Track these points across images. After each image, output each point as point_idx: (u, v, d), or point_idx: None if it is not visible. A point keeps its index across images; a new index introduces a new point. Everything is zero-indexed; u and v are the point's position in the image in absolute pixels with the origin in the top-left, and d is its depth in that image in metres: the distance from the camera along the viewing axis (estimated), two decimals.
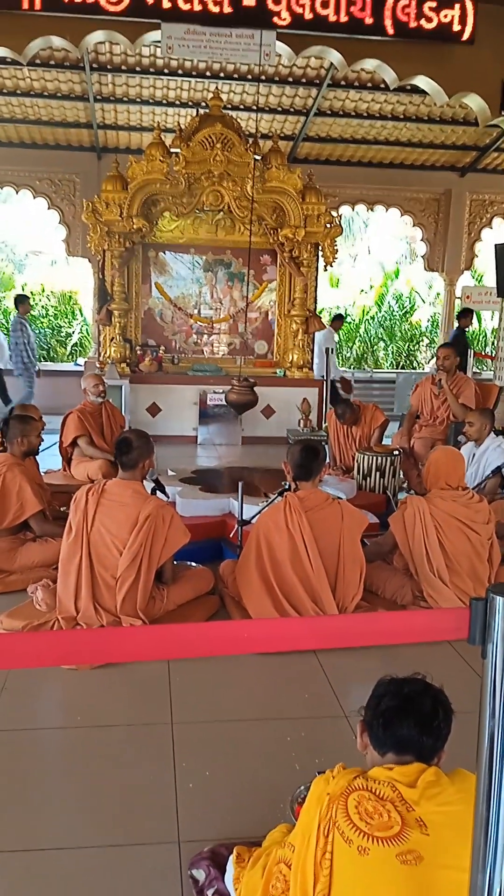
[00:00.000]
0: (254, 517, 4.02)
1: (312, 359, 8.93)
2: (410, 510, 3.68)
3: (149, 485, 3.99)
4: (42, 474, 5.03)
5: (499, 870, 1.30)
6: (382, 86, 8.64)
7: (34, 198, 10.89)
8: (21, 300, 10.28)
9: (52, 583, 3.78)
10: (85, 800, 2.42)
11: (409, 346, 15.74)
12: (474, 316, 11.25)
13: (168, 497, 4.27)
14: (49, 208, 10.93)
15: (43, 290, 16.00)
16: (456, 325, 10.64)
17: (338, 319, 11.11)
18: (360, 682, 3.20)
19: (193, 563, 4.07)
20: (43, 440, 4.80)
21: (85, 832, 2.27)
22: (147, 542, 3.51)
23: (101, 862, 2.15)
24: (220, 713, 2.99)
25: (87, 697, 3.06)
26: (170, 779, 2.51)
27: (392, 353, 15.72)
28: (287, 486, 3.88)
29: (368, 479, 5.49)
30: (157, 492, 3.99)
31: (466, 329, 10.84)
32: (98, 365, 8.60)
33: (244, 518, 4.09)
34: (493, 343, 11.30)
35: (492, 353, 10.92)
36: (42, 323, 14.98)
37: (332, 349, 9.36)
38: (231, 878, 1.90)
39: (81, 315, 15.37)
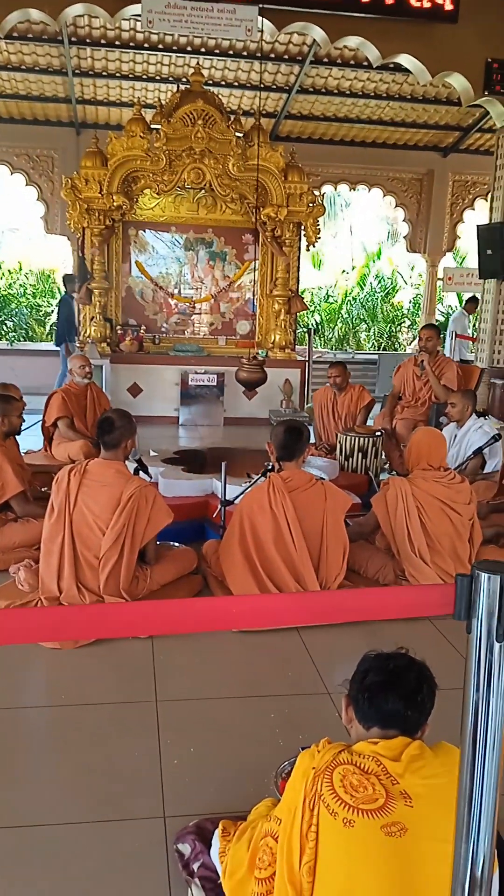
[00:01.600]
0: (237, 497, 4.02)
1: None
2: (392, 491, 3.71)
3: (131, 465, 3.98)
4: (22, 454, 4.99)
5: (482, 841, 1.33)
6: (366, 63, 8.57)
7: (11, 174, 10.72)
8: (68, 279, 10.11)
9: (34, 563, 3.76)
10: (70, 776, 2.43)
11: (390, 328, 15.76)
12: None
13: (150, 477, 4.27)
14: (27, 184, 10.77)
15: (20, 268, 15.78)
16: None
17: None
18: (342, 659, 3.24)
19: (176, 544, 4.07)
20: (24, 420, 4.75)
21: (71, 808, 2.28)
22: (130, 522, 3.51)
23: (88, 837, 2.16)
24: (204, 691, 3.01)
25: (71, 676, 3.07)
26: (155, 755, 2.53)
27: (374, 334, 15.73)
28: (271, 467, 3.88)
29: (350, 459, 5.52)
30: (140, 472, 3.98)
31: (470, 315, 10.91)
32: (78, 344, 8.52)
33: (227, 498, 4.09)
34: (474, 325, 11.32)
35: (473, 335, 10.96)
36: (20, 302, 14.79)
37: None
38: (217, 851, 1.92)
39: (60, 293, 15.18)
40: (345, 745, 1.67)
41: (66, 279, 10.22)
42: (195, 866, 1.99)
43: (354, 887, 1.54)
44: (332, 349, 14.89)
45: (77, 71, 9.40)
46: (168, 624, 1.26)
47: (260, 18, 7.09)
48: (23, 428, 4.77)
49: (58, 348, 9.80)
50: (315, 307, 15.73)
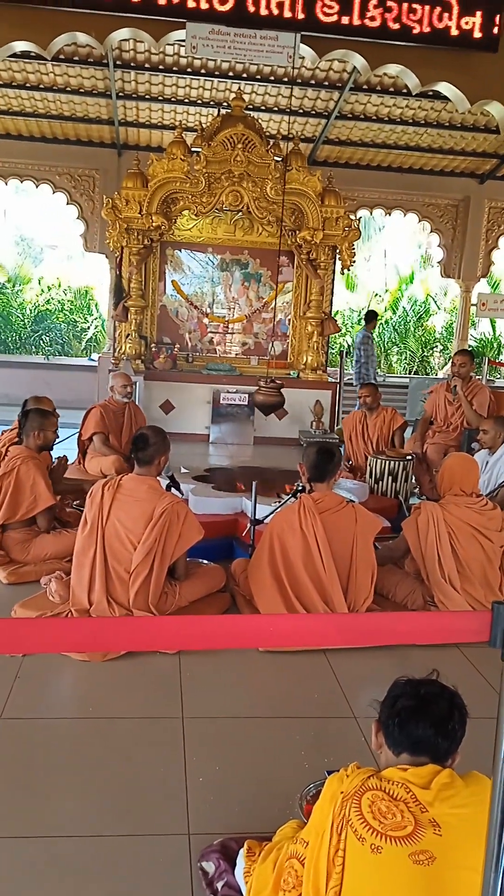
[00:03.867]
0: (267, 517, 4.04)
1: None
2: (424, 515, 3.70)
3: (163, 481, 4.02)
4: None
5: None
6: (404, 91, 8.64)
7: (53, 192, 10.94)
8: (371, 317, 10.71)
9: (65, 575, 3.81)
10: (95, 789, 2.45)
11: (422, 352, 15.72)
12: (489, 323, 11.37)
13: (182, 494, 4.30)
14: (68, 203, 10.98)
15: (59, 285, 16.07)
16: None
17: None
18: (369, 683, 3.22)
19: (205, 561, 4.09)
20: (58, 436, 4.83)
21: (95, 821, 2.30)
22: (161, 537, 3.54)
23: (112, 851, 2.18)
24: (230, 709, 3.01)
25: (99, 689, 3.09)
26: (180, 772, 2.54)
27: (405, 357, 15.71)
28: (301, 487, 3.90)
29: (381, 482, 5.50)
30: (172, 489, 4.02)
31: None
32: (113, 361, 8.64)
33: (257, 518, 4.11)
34: None
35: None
36: (58, 317, 15.05)
37: None
38: (241, 871, 1.92)
39: (97, 310, 15.43)
40: (374, 771, 1.67)
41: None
42: (219, 885, 1.99)
43: None
44: None
45: (120, 94, 9.60)
46: (206, 639, 1.28)
47: (301, 45, 7.19)
48: (56, 443, 4.84)
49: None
50: (347, 329, 15.76)
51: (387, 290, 17.15)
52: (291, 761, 2.64)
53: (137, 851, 2.18)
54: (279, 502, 4.36)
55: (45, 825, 2.27)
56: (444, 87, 7.68)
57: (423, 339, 15.80)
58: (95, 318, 15.33)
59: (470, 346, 12.57)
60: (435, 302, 16.41)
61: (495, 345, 15.45)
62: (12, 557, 4.31)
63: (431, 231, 11.76)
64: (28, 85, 9.39)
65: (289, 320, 8.99)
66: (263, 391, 7.44)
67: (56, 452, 4.98)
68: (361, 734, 2.82)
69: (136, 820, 2.32)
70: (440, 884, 1.52)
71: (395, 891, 1.54)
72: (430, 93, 8.07)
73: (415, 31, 7.14)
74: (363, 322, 10.78)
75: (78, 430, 6.15)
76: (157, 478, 3.83)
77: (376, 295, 17.25)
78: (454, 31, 7.21)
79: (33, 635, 1.21)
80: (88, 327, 15.24)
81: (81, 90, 9.58)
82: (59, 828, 2.26)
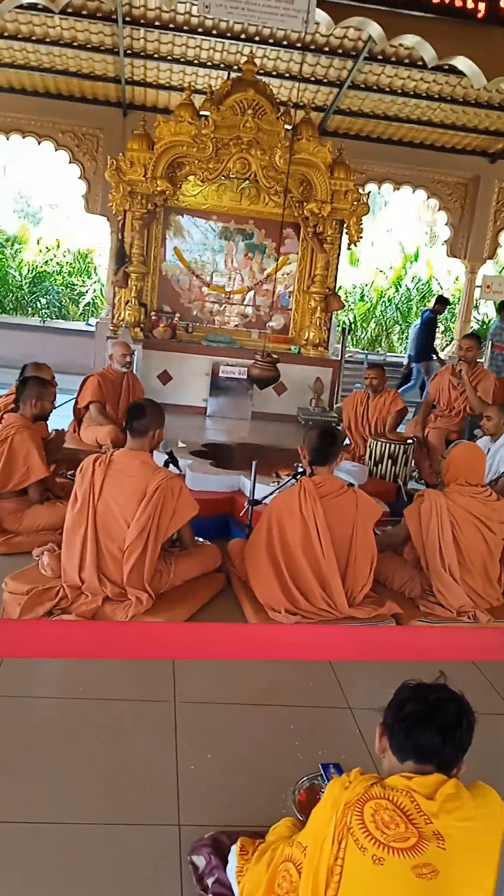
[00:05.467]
0: (265, 498, 3.97)
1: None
2: (427, 503, 3.63)
3: (162, 457, 3.93)
4: (51, 433, 4.94)
5: None
6: (419, 63, 8.41)
7: (56, 150, 10.68)
8: (441, 301, 11.06)
9: (57, 547, 3.73)
10: (82, 773, 2.40)
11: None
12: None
13: (180, 471, 4.21)
14: (70, 162, 10.72)
15: (59, 246, 15.77)
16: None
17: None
18: (365, 675, 3.18)
19: (201, 539, 4.02)
20: (55, 407, 4.72)
21: (81, 807, 2.25)
22: (156, 513, 3.46)
23: (101, 839, 2.13)
24: (223, 695, 2.96)
25: (90, 668, 3.03)
26: (171, 759, 2.49)
27: (406, 336, 15.56)
28: (301, 470, 3.82)
29: (380, 465, 5.43)
30: (170, 465, 3.94)
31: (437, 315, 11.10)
32: (111, 327, 8.48)
33: (255, 498, 4.03)
34: None
35: None
36: (56, 280, 14.78)
37: None
38: (234, 869, 1.87)
39: (96, 274, 15.17)
40: (377, 778, 1.62)
41: (439, 300, 11.03)
42: (209, 881, 1.94)
43: None
44: (364, 349, 14.75)
45: (128, 51, 9.32)
46: (234, 650, 1.20)
47: (317, 10, 6.96)
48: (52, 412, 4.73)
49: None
50: (350, 306, 15.58)
51: (391, 267, 16.93)
52: (284, 751, 2.60)
53: (126, 841, 2.13)
54: (278, 482, 4.29)
55: (28, 810, 2.21)
56: (460, 62, 7.46)
57: None
58: (94, 283, 15.06)
59: (471, 328, 12.45)
60: (438, 283, 16.21)
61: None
62: (4, 527, 4.23)
63: (439, 209, 11.57)
64: (34, 38, 9.10)
65: (289, 293, 8.83)
66: (259, 365, 7.31)
67: (51, 419, 4.88)
68: (356, 726, 2.79)
69: (124, 808, 2.27)
70: None
71: None
72: (446, 66, 7.84)
73: (435, 2, 6.92)
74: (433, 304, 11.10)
75: (74, 397, 6.04)
76: (156, 452, 3.74)
77: (379, 271, 17.03)
78: (472, 4, 6.99)
79: (37, 639, 1.14)
80: (87, 291, 14.98)
81: (88, 45, 9.30)
82: (42, 814, 2.21)
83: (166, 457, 3.98)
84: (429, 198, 11.50)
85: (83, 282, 15.08)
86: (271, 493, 3.90)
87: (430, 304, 11.59)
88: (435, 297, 11.30)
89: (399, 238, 18.90)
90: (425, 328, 10.79)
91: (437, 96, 9.81)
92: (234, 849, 1.91)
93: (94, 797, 2.29)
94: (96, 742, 2.57)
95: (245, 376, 7.94)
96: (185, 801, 2.30)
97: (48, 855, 2.06)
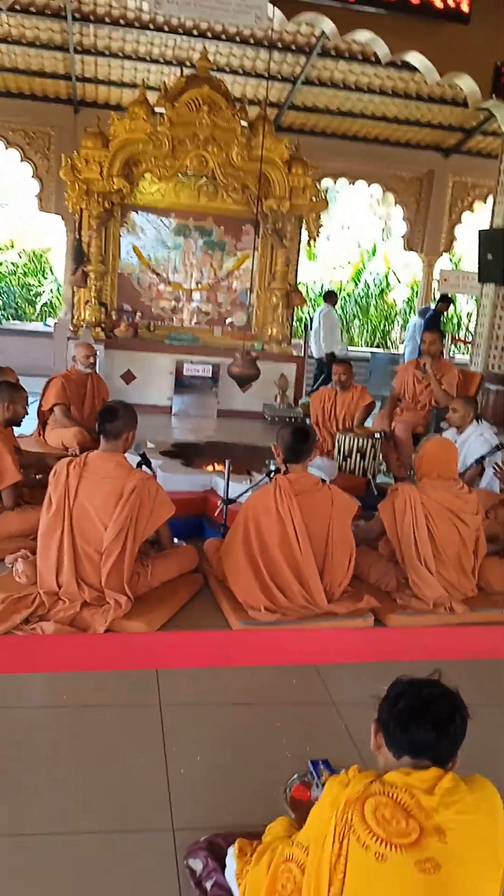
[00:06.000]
0: (239, 496, 3.97)
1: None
2: (401, 498, 3.66)
3: (134, 458, 3.90)
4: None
5: None
6: (373, 59, 8.48)
7: (6, 148, 10.49)
8: (444, 299, 10.87)
9: (31, 554, 3.68)
10: (70, 783, 2.36)
11: (384, 325, 15.73)
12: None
13: (153, 472, 4.18)
14: (21, 160, 10.54)
15: (12, 246, 15.49)
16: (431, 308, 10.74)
17: (443, 301, 10.96)
18: (347, 670, 3.21)
19: (177, 540, 4.00)
20: (28, 412, 4.64)
21: (71, 817, 2.21)
22: (133, 515, 3.43)
23: (94, 848, 2.10)
24: (207, 696, 2.95)
25: (71, 675, 2.99)
26: (160, 763, 2.47)
27: (367, 331, 15.70)
28: (274, 468, 3.82)
29: (349, 460, 5.47)
30: (143, 466, 3.90)
31: (442, 314, 10.98)
32: (71, 328, 8.38)
33: (229, 497, 4.03)
34: (467, 327, 11.33)
35: (466, 337, 10.97)
36: (11, 281, 14.53)
37: None
38: (233, 872, 1.87)
39: (52, 274, 14.95)
40: (375, 775, 1.63)
41: (443, 299, 10.77)
42: (208, 885, 1.94)
43: None
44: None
45: (78, 48, 9.21)
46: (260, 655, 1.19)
47: (270, 6, 6.96)
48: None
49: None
50: (311, 302, 15.65)
51: (349, 262, 17.05)
52: (273, 749, 2.60)
53: (122, 848, 2.11)
54: (251, 481, 4.29)
55: (17, 822, 2.17)
56: (413, 58, 7.55)
57: (385, 312, 15.79)
58: (51, 283, 14.84)
59: None
60: (396, 276, 16.38)
61: (455, 321, 15.52)
62: None
63: (395, 203, 11.69)
64: None
65: (248, 290, 8.80)
66: (239, 363, 7.29)
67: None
68: (341, 721, 2.80)
69: (116, 816, 2.24)
70: (445, 893, 1.49)
71: None
72: (399, 62, 7.92)
73: None
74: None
75: (38, 399, 5.94)
76: (128, 454, 3.71)
77: (339, 267, 17.12)
78: (428, 1, 7.07)
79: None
80: (43, 292, 14.76)
81: (37, 43, 9.17)
82: (31, 825, 2.17)
83: (139, 458, 3.95)
84: (385, 193, 11.62)
85: (39, 282, 14.86)
86: (245, 492, 3.90)
87: (430, 304, 11.54)
88: (438, 295, 11.17)
89: (355, 233, 19.01)
90: (431, 326, 10.64)
91: (390, 92, 9.91)
92: (232, 851, 1.91)
93: (83, 806, 2.26)
94: (82, 750, 2.53)
95: (209, 374, 7.92)
96: (177, 805, 2.29)
97: (41, 868, 2.02)
